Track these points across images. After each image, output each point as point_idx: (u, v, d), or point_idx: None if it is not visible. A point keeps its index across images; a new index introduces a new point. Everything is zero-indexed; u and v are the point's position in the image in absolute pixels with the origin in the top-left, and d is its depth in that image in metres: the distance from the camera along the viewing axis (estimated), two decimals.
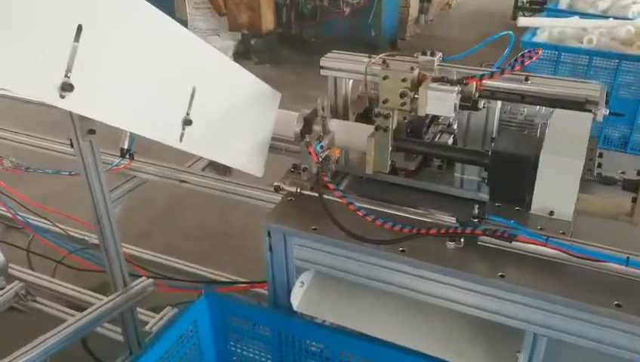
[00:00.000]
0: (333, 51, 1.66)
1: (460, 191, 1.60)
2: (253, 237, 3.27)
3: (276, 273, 1.59)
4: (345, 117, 1.71)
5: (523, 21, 4.01)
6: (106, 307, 1.81)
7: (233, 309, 1.68)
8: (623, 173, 1.54)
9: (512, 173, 1.39)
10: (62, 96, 0.91)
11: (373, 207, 1.47)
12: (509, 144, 1.40)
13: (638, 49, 3.87)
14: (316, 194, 1.54)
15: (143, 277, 1.98)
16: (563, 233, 1.33)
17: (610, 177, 1.38)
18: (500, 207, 1.44)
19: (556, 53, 3.87)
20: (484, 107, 1.43)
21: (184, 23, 6.53)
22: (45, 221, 2.94)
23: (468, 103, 1.34)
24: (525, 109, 1.56)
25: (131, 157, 1.70)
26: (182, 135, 1.19)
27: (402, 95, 1.39)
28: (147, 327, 2.16)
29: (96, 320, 1.78)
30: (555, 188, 1.36)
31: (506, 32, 1.57)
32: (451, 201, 1.59)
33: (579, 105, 1.30)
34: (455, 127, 1.76)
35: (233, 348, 1.75)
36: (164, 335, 1.57)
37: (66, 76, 0.91)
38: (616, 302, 1.19)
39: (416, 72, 1.41)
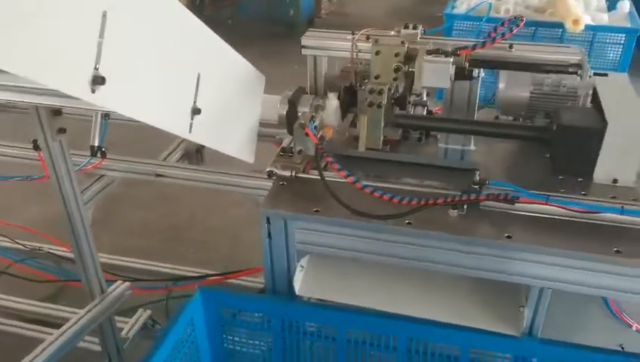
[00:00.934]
0: (311, 29, 1.64)
1: (446, 161, 1.65)
2: (206, 228, 3.21)
3: (275, 260, 1.56)
4: (325, 96, 1.69)
5: None
6: (87, 318, 1.69)
7: (231, 302, 1.64)
8: None
9: (579, 146, 1.44)
10: (93, 90, 0.83)
11: (374, 184, 1.48)
12: (573, 117, 1.44)
13: (550, 15, 4.13)
14: (310, 176, 1.53)
15: (119, 282, 1.87)
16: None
17: None
18: (563, 179, 1.49)
19: (477, 23, 4.05)
20: (478, 76, 1.47)
21: None
22: None
23: (463, 73, 1.37)
24: (567, 81, 1.57)
25: (103, 155, 1.59)
26: (191, 125, 1.13)
27: (397, 69, 1.40)
28: (123, 333, 2.06)
29: (77, 334, 1.66)
30: (620, 157, 1.43)
31: None
32: (435, 171, 1.63)
33: (565, 68, 1.37)
34: (425, 98, 1.81)
35: (231, 345, 1.70)
36: (167, 338, 1.49)
37: (95, 68, 0.82)
38: (615, 249, 1.28)
39: (406, 45, 1.42)
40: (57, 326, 2.11)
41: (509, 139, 1.68)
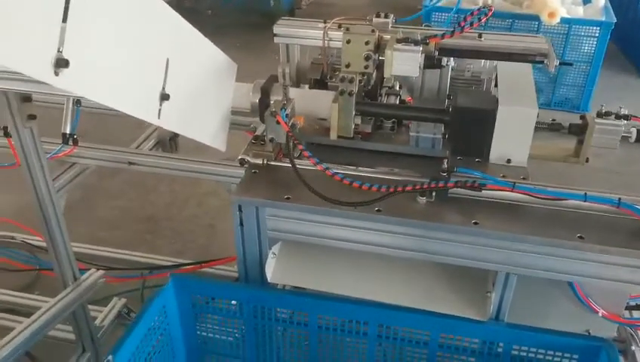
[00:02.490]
0: (284, 18, 1.64)
1: (416, 149, 1.67)
2: (183, 218, 3.20)
3: (247, 247, 1.57)
4: (298, 84, 1.70)
5: None
6: (60, 306, 1.68)
7: (203, 290, 1.64)
8: (553, 120, 1.68)
9: (473, 127, 1.47)
10: (56, 73, 0.83)
11: (345, 171, 1.49)
12: (467, 100, 1.48)
13: (527, 8, 4.18)
14: (282, 164, 1.54)
15: (92, 270, 1.86)
16: (523, 178, 1.44)
17: (558, 123, 1.50)
18: (461, 159, 1.52)
19: (456, 15, 4.08)
20: (447, 64, 1.49)
21: None
22: None
23: (432, 62, 1.39)
24: (472, 66, 1.64)
25: (75, 143, 1.58)
26: (159, 111, 1.13)
27: (367, 58, 1.41)
28: (97, 322, 2.06)
29: (49, 321, 1.65)
30: (512, 138, 1.46)
31: None
32: (406, 159, 1.65)
33: (532, 57, 1.40)
34: (397, 88, 1.83)
35: (204, 333, 1.70)
36: (139, 325, 1.50)
37: (58, 51, 0.82)
38: (578, 235, 1.32)
39: (377, 34, 1.43)
40: (30, 315, 2.11)
41: None
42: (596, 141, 1.47)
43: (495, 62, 1.62)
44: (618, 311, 1.60)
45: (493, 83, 1.65)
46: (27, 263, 2.51)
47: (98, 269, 1.87)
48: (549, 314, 1.61)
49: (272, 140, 1.51)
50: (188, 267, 2.37)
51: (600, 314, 1.60)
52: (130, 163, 1.64)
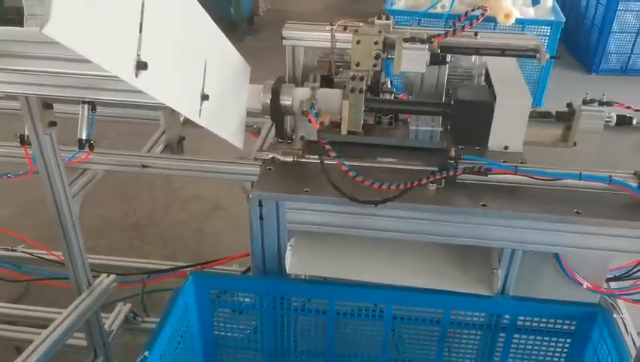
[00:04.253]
0: (289, 22, 1.72)
1: (416, 141, 1.79)
2: (169, 224, 3.21)
3: (266, 241, 1.64)
4: (302, 84, 1.78)
5: None
6: (78, 311, 1.70)
7: (223, 285, 1.70)
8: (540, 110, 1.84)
9: (474, 118, 1.60)
10: (136, 75, 0.89)
11: (360, 164, 1.59)
12: (467, 93, 1.61)
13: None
14: (307, 161, 1.63)
15: (104, 275, 1.88)
16: (522, 162, 1.58)
17: (547, 112, 1.65)
18: (463, 148, 1.64)
19: (417, 19, 4.26)
20: (451, 61, 1.61)
21: (19, 11, 5.87)
22: None
23: (438, 59, 1.50)
24: (464, 63, 1.77)
25: (91, 148, 1.60)
26: (200, 110, 1.20)
27: (377, 56, 1.52)
28: (106, 327, 2.07)
29: (69, 328, 1.66)
30: (509, 126, 1.60)
31: None
32: (406, 151, 1.76)
33: (525, 52, 1.54)
34: (389, 85, 1.94)
35: (221, 326, 1.75)
36: (167, 323, 1.53)
37: (137, 55, 0.88)
38: (575, 210, 1.46)
39: (384, 34, 1.54)
40: (29, 326, 2.11)
41: None
42: (583, 126, 1.62)
43: (484, 59, 1.75)
44: (600, 283, 1.76)
45: (483, 78, 1.79)
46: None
47: (108, 274, 1.90)
48: (539, 289, 1.76)
49: (302, 138, 1.59)
50: (186, 270, 2.41)
51: (584, 286, 1.75)
52: (143, 166, 1.68)
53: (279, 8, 7.32)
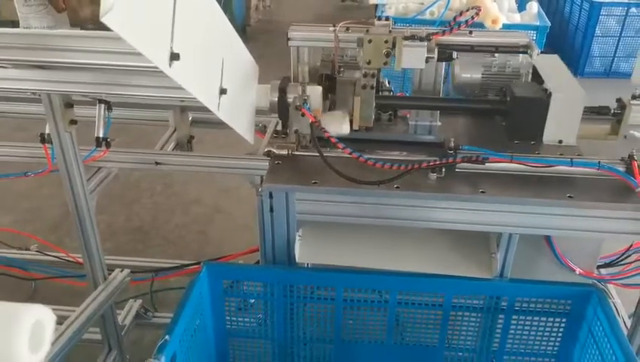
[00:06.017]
0: (294, 23, 1.82)
1: (415, 136, 1.88)
2: (171, 228, 3.28)
3: (276, 231, 1.72)
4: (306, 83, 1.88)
5: None
6: (94, 305, 1.77)
7: (236, 275, 1.77)
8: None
9: (530, 114, 1.71)
10: (170, 65, 0.97)
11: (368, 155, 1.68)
12: (523, 91, 1.72)
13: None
14: (302, 154, 1.71)
15: (117, 270, 1.95)
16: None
17: (606, 107, 1.76)
18: (518, 143, 1.74)
19: (408, 25, 4.38)
20: (457, 57, 1.71)
21: (14, 23, 5.93)
22: None
23: (445, 56, 1.60)
24: (511, 62, 1.86)
25: (108, 146, 1.68)
26: (219, 104, 1.28)
27: (387, 54, 1.61)
28: (120, 321, 2.14)
29: (86, 321, 1.73)
30: (564, 120, 1.70)
31: None
32: (406, 146, 1.85)
33: (517, 49, 1.64)
34: (387, 84, 2.04)
35: (233, 322, 1.82)
36: (184, 312, 1.58)
37: (171, 46, 0.97)
38: (568, 195, 1.56)
39: (393, 34, 1.64)
40: None
41: (464, 116, 1.96)
42: (633, 119, 1.73)
43: (531, 58, 1.82)
44: (591, 269, 1.86)
45: (529, 76, 1.88)
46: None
47: (122, 269, 1.97)
48: (535, 278, 1.85)
49: (296, 132, 1.68)
50: (192, 267, 2.48)
51: (577, 273, 1.84)
52: (157, 163, 1.76)
53: (271, 19, 7.45)
